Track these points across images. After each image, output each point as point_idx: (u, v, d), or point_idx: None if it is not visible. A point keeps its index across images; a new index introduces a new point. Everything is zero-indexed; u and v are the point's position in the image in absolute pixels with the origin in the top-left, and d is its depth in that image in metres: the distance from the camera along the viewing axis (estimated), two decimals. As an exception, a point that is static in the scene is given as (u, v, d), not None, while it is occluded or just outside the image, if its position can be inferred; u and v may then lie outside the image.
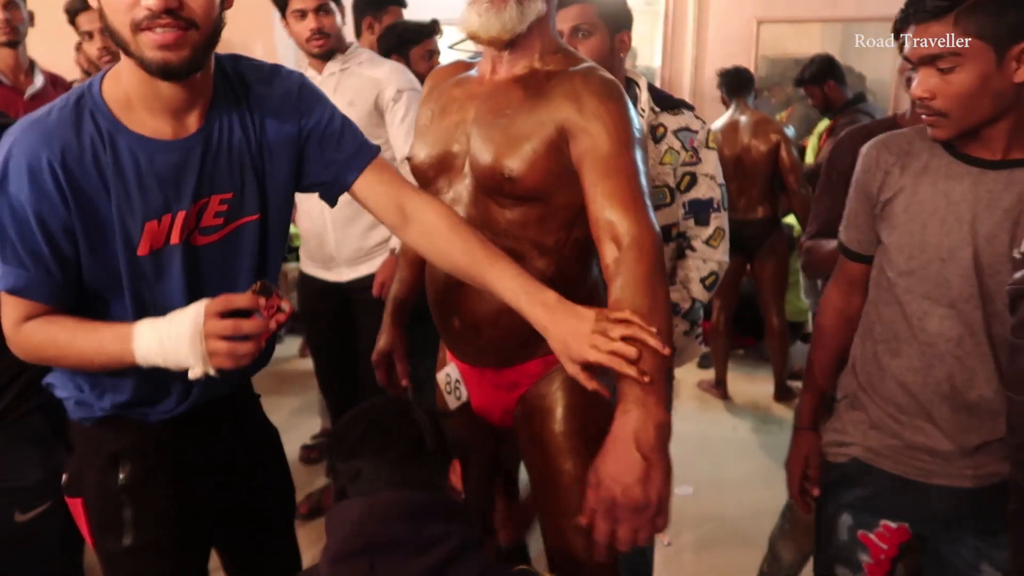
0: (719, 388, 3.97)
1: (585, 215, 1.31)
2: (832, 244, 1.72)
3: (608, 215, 1.24)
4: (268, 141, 1.27)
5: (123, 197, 1.15)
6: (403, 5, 3.17)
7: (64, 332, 1.18)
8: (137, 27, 1.06)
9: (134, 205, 1.16)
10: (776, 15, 4.59)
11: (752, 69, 4.60)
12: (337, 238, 2.51)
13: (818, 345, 1.60)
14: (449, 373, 1.62)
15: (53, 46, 3.40)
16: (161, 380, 1.24)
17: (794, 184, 3.63)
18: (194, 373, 1.12)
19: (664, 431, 1.11)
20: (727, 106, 3.82)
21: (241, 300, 1.12)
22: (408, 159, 1.52)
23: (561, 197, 1.37)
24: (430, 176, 1.48)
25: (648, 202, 1.27)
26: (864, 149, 1.44)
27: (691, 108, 1.98)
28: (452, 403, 1.62)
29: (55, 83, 2.85)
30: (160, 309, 1.19)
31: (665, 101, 1.94)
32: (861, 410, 1.48)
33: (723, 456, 3.36)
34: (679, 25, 4.75)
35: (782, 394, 3.93)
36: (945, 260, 1.32)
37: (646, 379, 1.11)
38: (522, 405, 1.54)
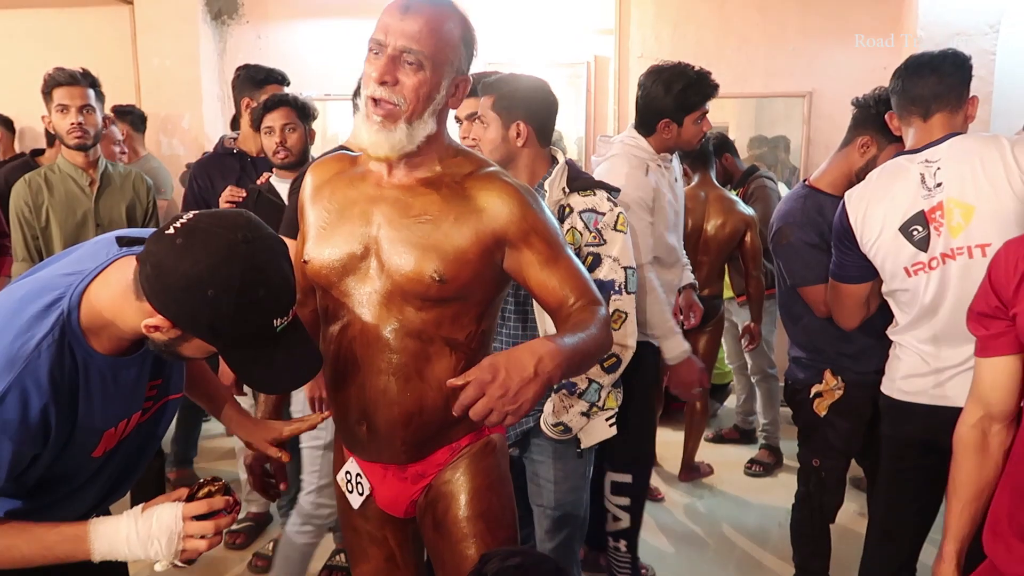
0: (649, 454, 3.96)
1: (492, 307, 1.49)
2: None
3: (566, 292, 1.40)
4: None
5: (87, 417, 1.24)
6: (283, 83, 3.13)
7: (2, 539, 1.21)
8: None
9: (96, 421, 1.26)
10: (692, 90, 4.80)
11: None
12: None
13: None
14: (348, 470, 1.58)
15: None
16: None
17: (753, 270, 3.63)
18: (161, 566, 1.23)
19: (555, 378, 1.21)
20: (689, 177, 3.62)
21: (217, 503, 1.25)
22: (305, 261, 1.47)
23: (479, 294, 1.42)
24: (333, 279, 1.45)
25: (591, 282, 1.44)
26: None
27: (611, 190, 1.99)
28: (355, 501, 1.58)
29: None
30: (71, 475, 1.30)
31: (578, 181, 1.97)
32: None
33: (654, 524, 3.38)
34: (600, 97, 4.93)
35: (687, 474, 3.85)
36: None
37: None
38: (427, 493, 1.52)
